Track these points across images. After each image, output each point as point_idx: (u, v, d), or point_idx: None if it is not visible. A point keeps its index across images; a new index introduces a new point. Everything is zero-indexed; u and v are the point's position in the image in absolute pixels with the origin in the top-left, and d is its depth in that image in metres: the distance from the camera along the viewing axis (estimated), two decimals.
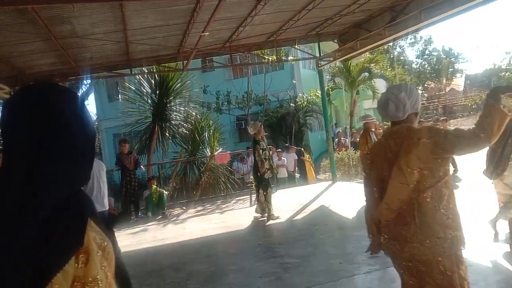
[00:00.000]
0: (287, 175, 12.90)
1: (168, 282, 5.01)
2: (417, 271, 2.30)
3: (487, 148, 4.28)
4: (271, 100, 18.97)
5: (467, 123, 30.61)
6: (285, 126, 18.31)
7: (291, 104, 19.06)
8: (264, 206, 7.69)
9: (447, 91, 44.48)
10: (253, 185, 8.54)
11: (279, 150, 13.06)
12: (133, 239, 7.60)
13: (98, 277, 0.96)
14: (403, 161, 2.22)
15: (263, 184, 7.66)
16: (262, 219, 7.72)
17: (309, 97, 18.93)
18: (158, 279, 5.21)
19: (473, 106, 37.88)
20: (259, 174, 7.66)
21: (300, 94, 19.43)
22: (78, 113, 1.05)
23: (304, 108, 18.97)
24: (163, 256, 6.20)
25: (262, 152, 7.57)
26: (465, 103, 39.23)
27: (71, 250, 0.93)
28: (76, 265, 0.92)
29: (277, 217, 7.58)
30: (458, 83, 47.70)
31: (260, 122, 8.74)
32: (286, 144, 14.26)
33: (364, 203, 2.63)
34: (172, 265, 5.61)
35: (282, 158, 12.85)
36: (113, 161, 10.65)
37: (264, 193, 7.64)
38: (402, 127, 2.34)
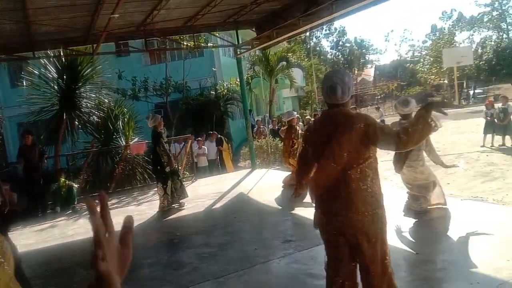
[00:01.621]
0: (207, 164, 12.80)
1: (77, 280, 4.70)
2: (350, 243, 2.50)
3: None
4: (191, 87, 18.59)
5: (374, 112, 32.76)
6: (206, 114, 18.08)
7: (212, 92, 18.87)
8: (166, 198, 7.57)
9: (358, 81, 47.35)
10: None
11: (199, 138, 12.88)
12: (39, 236, 7.05)
13: None
14: (335, 144, 2.39)
15: (162, 177, 7.50)
16: (180, 208, 7.60)
17: (229, 85, 18.87)
18: (66, 278, 4.88)
19: (382, 95, 40.75)
20: (159, 167, 7.52)
21: (220, 82, 19.29)
22: None
23: (225, 96, 18.88)
24: (72, 253, 5.79)
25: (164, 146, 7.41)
26: (374, 92, 42.07)
27: None
28: None
29: (181, 206, 7.65)
30: (369, 73, 51.01)
31: (159, 114, 8.47)
32: (210, 132, 14.08)
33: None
34: (82, 262, 5.25)
35: (203, 146, 12.72)
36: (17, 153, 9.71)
37: (164, 186, 7.51)
38: (340, 111, 2.49)
